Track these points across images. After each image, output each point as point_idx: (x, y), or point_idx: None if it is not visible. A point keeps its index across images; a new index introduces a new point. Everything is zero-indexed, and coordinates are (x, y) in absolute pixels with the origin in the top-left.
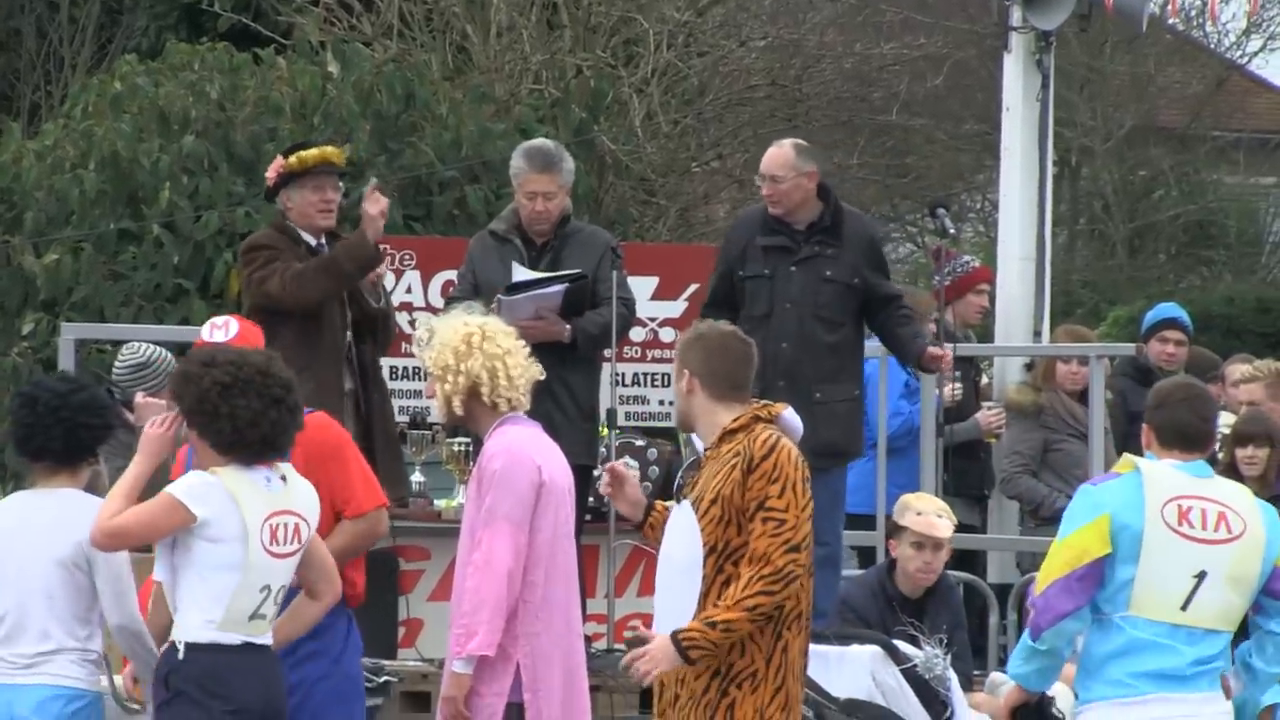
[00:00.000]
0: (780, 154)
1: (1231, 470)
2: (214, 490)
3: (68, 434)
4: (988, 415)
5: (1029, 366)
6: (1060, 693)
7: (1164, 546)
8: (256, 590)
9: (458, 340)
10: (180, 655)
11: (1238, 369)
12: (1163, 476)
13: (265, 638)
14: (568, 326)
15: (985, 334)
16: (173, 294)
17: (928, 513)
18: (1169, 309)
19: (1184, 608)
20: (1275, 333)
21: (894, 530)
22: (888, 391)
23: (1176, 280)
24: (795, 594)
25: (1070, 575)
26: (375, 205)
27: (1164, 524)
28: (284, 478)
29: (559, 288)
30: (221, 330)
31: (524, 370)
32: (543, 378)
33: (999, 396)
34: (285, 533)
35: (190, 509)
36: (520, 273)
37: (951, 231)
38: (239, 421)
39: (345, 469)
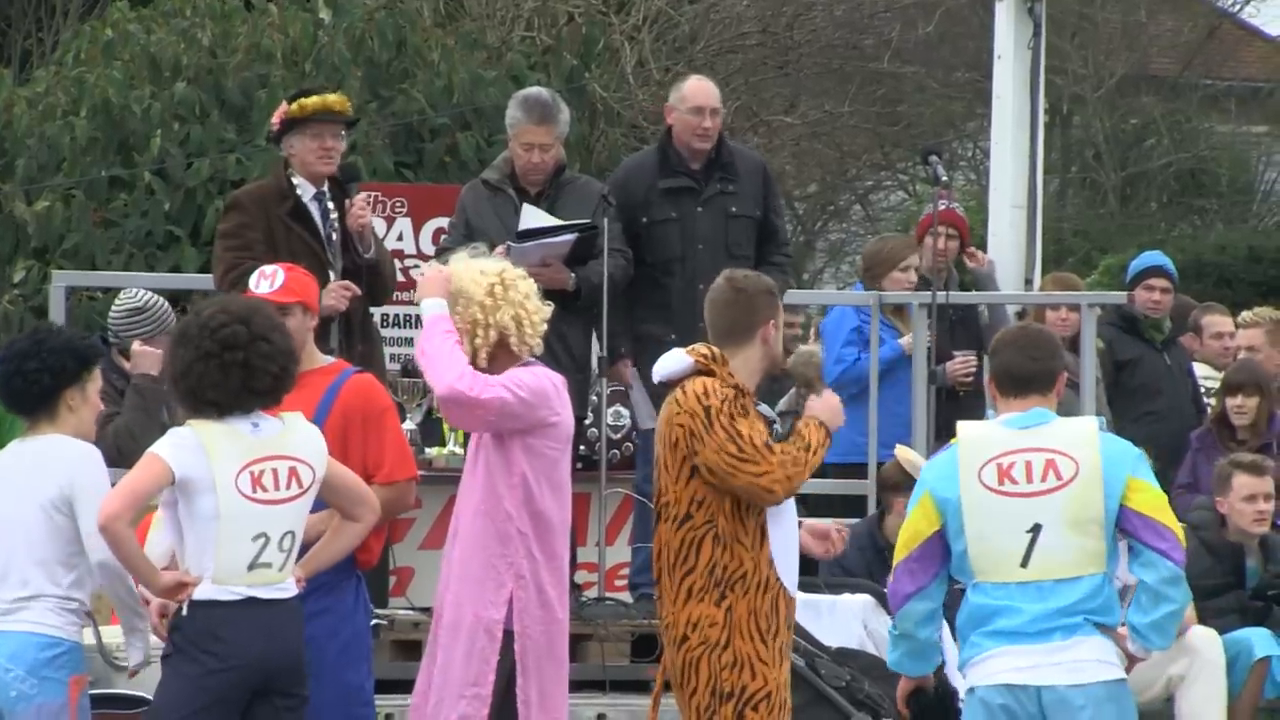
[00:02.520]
0: (713, 88)
1: (1223, 419)
2: (188, 443)
3: (27, 385)
4: (954, 364)
5: (1021, 315)
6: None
7: (987, 510)
8: (248, 539)
9: (482, 294)
10: (184, 612)
11: (1213, 319)
12: (981, 438)
13: (274, 589)
14: (572, 275)
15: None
16: (164, 241)
17: None
18: (1154, 257)
19: (1024, 565)
20: (1266, 281)
21: (902, 488)
22: (829, 337)
23: (1168, 229)
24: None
25: (909, 558)
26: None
27: (982, 487)
28: (282, 420)
29: (569, 237)
30: (268, 280)
31: (542, 314)
32: (550, 317)
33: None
34: (274, 478)
35: (168, 464)
36: (530, 217)
37: (944, 179)
38: (175, 371)
39: (381, 436)
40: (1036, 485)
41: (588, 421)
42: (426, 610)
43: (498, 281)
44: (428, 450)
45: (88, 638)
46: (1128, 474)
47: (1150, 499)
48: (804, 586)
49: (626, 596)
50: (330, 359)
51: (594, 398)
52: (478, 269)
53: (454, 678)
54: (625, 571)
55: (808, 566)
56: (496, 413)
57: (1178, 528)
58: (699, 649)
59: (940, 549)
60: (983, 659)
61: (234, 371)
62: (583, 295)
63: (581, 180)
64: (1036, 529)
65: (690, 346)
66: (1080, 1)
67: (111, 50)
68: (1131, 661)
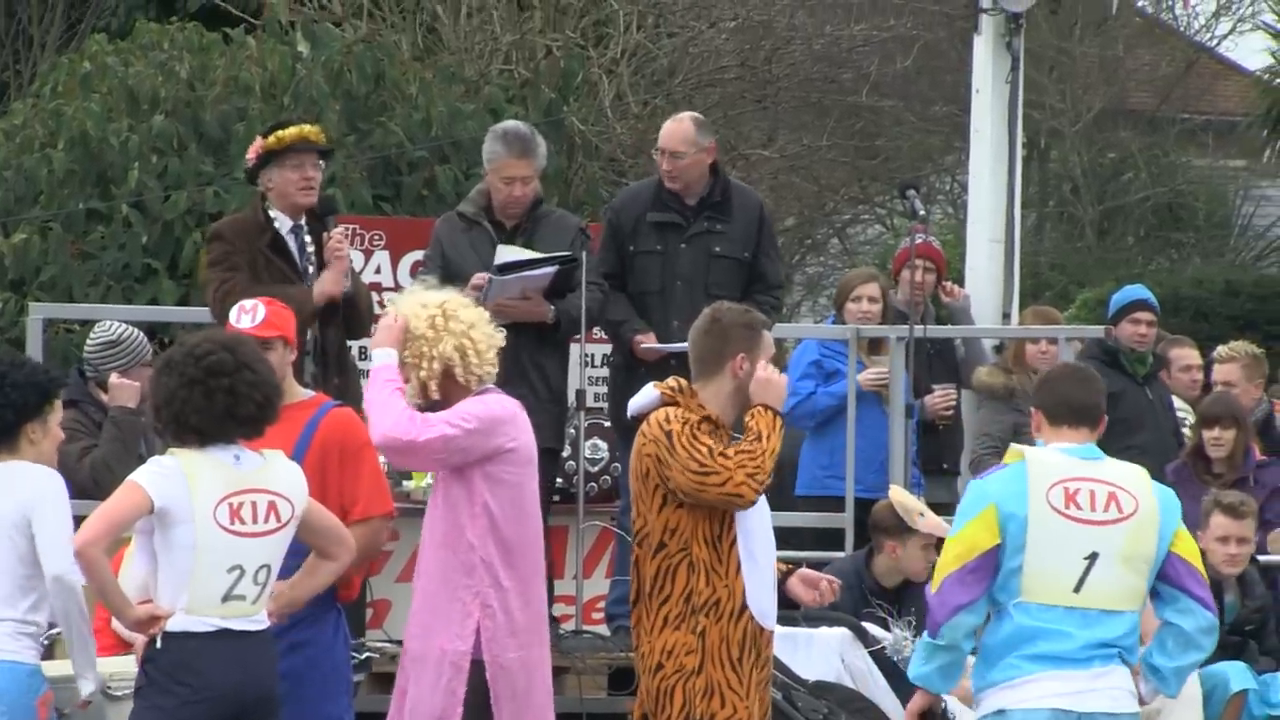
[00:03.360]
0: (680, 129)
1: (1199, 452)
2: (170, 472)
3: None
4: (933, 398)
5: (999, 349)
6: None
7: (1051, 531)
8: (223, 570)
9: (424, 325)
10: (158, 644)
11: (1181, 352)
12: (1048, 461)
13: (247, 621)
14: (551, 308)
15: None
16: (141, 274)
17: (932, 513)
18: (1137, 291)
19: (1076, 590)
20: (1243, 315)
21: (894, 531)
22: (789, 371)
23: (1145, 262)
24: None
25: (963, 569)
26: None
27: (1050, 508)
28: (263, 456)
29: (549, 270)
30: (249, 315)
31: (490, 341)
32: (503, 344)
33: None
34: (253, 511)
35: (148, 492)
36: (508, 253)
37: (921, 212)
38: (158, 399)
39: (358, 470)
40: (1099, 515)
41: (565, 454)
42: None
43: (439, 313)
44: (405, 483)
45: (50, 664)
46: (1177, 521)
47: (1192, 548)
48: (782, 620)
49: (604, 629)
50: (310, 392)
51: (571, 430)
52: (419, 302)
53: (422, 712)
54: (603, 604)
55: (789, 601)
56: (442, 450)
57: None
58: (673, 677)
59: (993, 564)
60: (1022, 682)
61: (218, 398)
62: (562, 327)
63: (557, 214)
64: (1093, 557)
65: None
66: (1058, 36)
67: (89, 83)
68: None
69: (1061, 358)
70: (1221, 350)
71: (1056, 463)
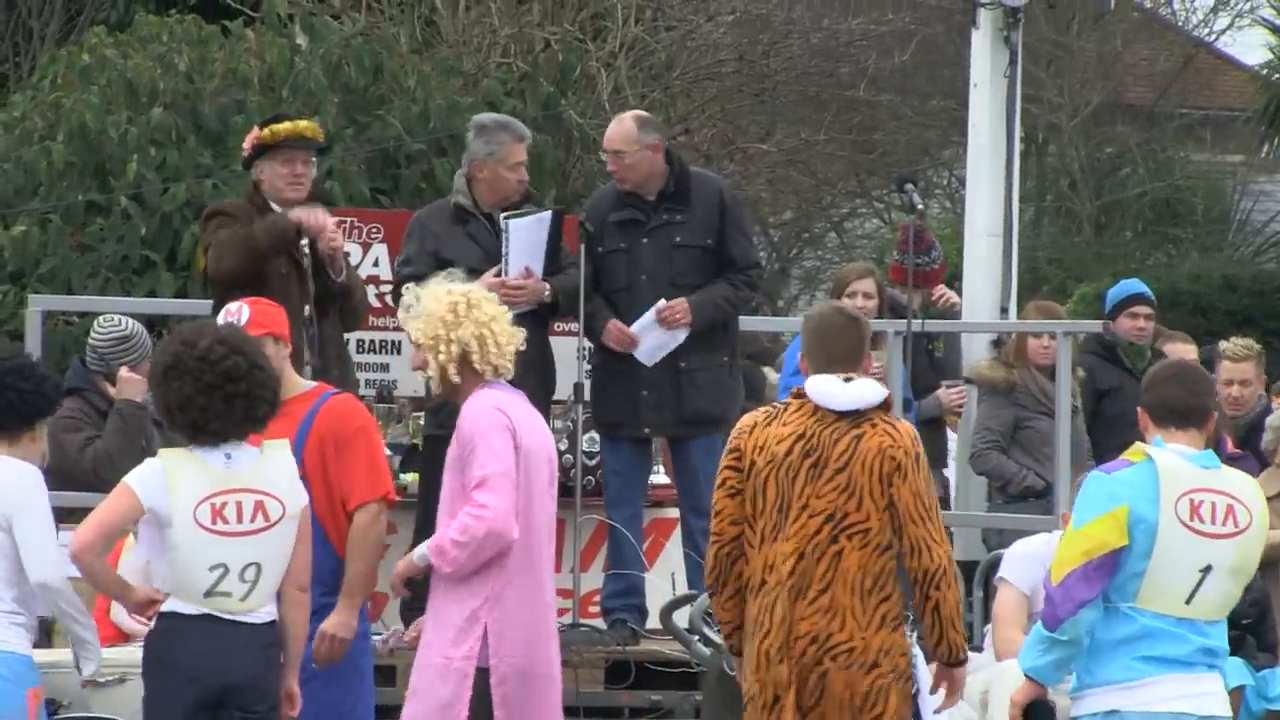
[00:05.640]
0: (620, 128)
1: None
2: (155, 473)
3: (21, 402)
4: (949, 393)
5: (996, 343)
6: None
7: (1176, 541)
8: (204, 569)
9: (444, 310)
10: (154, 623)
11: (1175, 347)
12: (1176, 469)
13: (238, 615)
14: (547, 285)
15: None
16: (140, 266)
17: None
18: (1134, 285)
19: (1188, 601)
20: (1241, 310)
21: None
22: (784, 364)
23: (1143, 257)
24: (720, 558)
25: (1088, 564)
26: (316, 218)
27: (1177, 519)
28: (260, 450)
29: (547, 213)
30: (235, 317)
31: (510, 337)
32: (524, 347)
33: (969, 373)
34: (238, 510)
35: (137, 494)
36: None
37: (920, 206)
38: (170, 403)
39: (352, 458)
40: (1218, 528)
41: (563, 448)
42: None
43: (462, 300)
44: (402, 476)
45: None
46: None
47: None
48: None
49: (600, 623)
50: (311, 383)
51: (569, 424)
52: (444, 289)
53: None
54: (599, 598)
55: None
56: (497, 527)
57: None
58: (889, 676)
59: (1116, 562)
60: (1141, 684)
61: (237, 403)
62: (560, 305)
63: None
64: (1207, 569)
65: (862, 378)
66: (1056, 30)
67: (88, 75)
68: None
69: (1059, 352)
70: (1235, 349)
71: (1183, 470)
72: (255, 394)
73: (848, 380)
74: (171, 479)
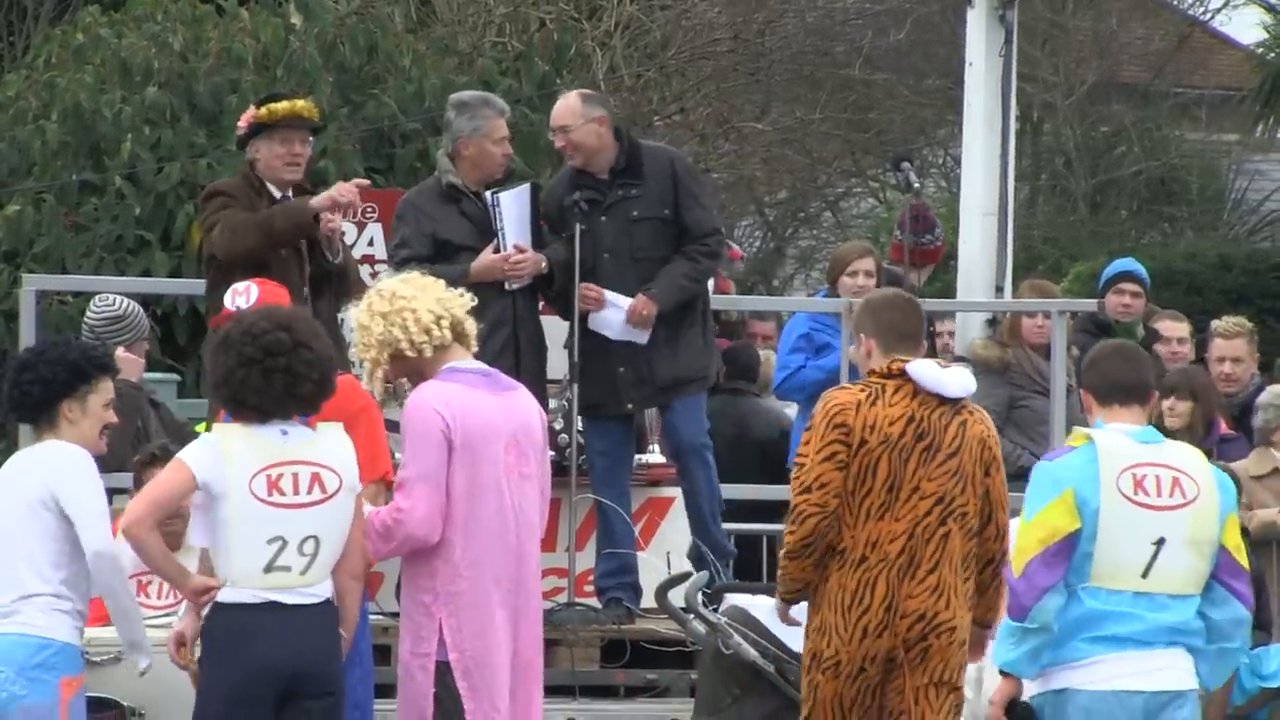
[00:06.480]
0: (565, 105)
1: (1158, 424)
2: (210, 449)
3: (22, 395)
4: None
5: (991, 322)
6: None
7: (1121, 517)
8: (262, 542)
9: (364, 318)
10: (212, 613)
11: (1166, 325)
12: (1116, 446)
13: (298, 594)
14: (543, 258)
15: (949, 290)
16: (134, 246)
17: None
18: (1125, 263)
19: (1144, 575)
20: (1236, 289)
21: None
22: (780, 344)
23: (1138, 236)
24: (820, 529)
25: (1046, 550)
26: (344, 194)
27: (1120, 494)
28: (315, 430)
29: (525, 185)
30: (243, 296)
31: (440, 306)
32: (474, 303)
33: (963, 352)
34: (294, 482)
35: (192, 469)
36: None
37: (915, 185)
38: (215, 377)
39: (353, 440)
40: (1165, 500)
41: (558, 428)
42: (395, 615)
43: (376, 298)
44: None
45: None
46: (1230, 509)
47: (1238, 540)
48: (770, 593)
49: (595, 602)
50: None
51: (564, 403)
52: (373, 292)
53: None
54: (594, 577)
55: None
56: (413, 531)
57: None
58: (966, 651)
59: (1072, 546)
60: (1089, 663)
61: (276, 378)
62: (555, 278)
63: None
64: (1160, 542)
65: (954, 365)
66: (1052, 9)
67: (82, 54)
68: None
69: (1054, 332)
70: (1226, 326)
71: (1123, 448)
72: (297, 371)
73: (943, 366)
74: (227, 451)
